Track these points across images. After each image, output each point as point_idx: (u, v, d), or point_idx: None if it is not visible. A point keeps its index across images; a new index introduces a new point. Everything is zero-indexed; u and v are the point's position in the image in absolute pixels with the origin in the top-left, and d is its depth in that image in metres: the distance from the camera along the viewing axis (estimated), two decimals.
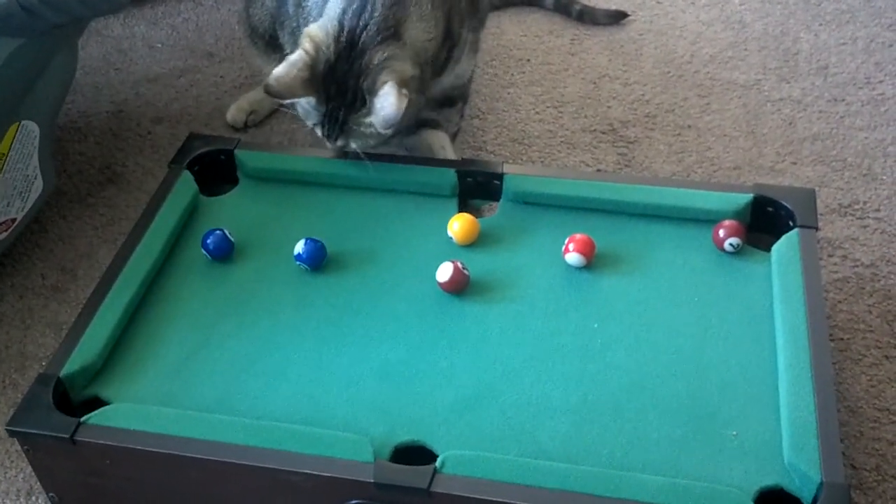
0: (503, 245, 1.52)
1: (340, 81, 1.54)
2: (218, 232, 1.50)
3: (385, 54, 1.53)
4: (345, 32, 1.53)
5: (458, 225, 1.51)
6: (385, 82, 1.50)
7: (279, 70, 1.52)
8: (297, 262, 1.48)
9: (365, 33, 1.53)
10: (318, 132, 1.61)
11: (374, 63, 1.52)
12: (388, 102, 1.48)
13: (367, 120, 1.54)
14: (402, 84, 1.50)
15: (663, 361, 1.34)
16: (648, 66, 2.20)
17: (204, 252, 1.50)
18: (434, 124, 1.82)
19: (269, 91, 1.51)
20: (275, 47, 1.86)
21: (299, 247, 1.48)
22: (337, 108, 1.56)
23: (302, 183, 1.64)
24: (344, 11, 1.54)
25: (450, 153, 1.80)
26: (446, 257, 1.45)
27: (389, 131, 1.52)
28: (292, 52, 1.79)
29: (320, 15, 1.62)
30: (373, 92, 1.51)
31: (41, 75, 1.67)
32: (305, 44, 1.54)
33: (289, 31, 1.79)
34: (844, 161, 1.91)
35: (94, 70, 2.25)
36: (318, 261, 1.48)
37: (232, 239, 1.51)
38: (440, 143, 1.80)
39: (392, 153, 1.68)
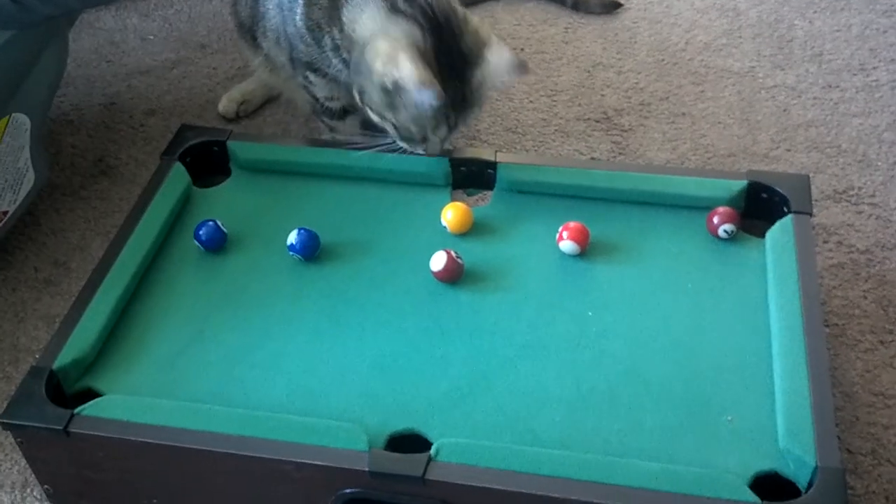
0: (497, 234, 1.52)
1: (447, 60, 1.51)
2: (210, 223, 1.50)
3: (453, 6, 1.52)
4: (419, 16, 1.49)
5: (452, 214, 1.51)
6: (481, 30, 1.52)
7: (418, 74, 1.44)
8: (291, 253, 1.48)
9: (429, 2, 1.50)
10: (440, 134, 1.55)
11: (455, 24, 1.51)
12: (503, 52, 1.50)
13: (480, 77, 1.52)
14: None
15: (658, 348, 1.34)
16: (642, 54, 2.19)
17: (197, 243, 1.50)
18: None
19: (424, 88, 1.46)
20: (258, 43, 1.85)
21: (292, 237, 1.47)
22: (456, 89, 1.52)
23: (295, 173, 1.63)
24: (392, 8, 1.50)
25: None
26: (440, 246, 1.45)
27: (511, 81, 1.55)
28: (268, 49, 1.79)
29: (292, 12, 1.63)
30: (478, 48, 1.51)
31: (32, 68, 1.67)
32: (405, 54, 1.45)
33: (262, 31, 1.79)
34: (839, 147, 1.91)
35: (86, 62, 2.24)
36: (311, 251, 1.47)
37: (224, 230, 1.50)
38: None
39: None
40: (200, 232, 1.49)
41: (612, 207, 1.54)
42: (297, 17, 1.63)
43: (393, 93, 1.49)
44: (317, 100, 1.77)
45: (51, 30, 1.69)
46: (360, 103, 1.59)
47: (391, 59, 1.45)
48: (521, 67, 1.51)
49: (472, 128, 1.99)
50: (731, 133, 1.96)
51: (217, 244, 1.50)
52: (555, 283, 1.44)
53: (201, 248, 1.50)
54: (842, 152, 1.89)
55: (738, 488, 1.14)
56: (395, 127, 1.55)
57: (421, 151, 1.58)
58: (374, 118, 1.58)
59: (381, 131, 1.60)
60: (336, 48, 1.60)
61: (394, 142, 1.58)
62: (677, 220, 1.51)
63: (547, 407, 1.27)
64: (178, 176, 1.60)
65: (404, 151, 1.58)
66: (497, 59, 1.51)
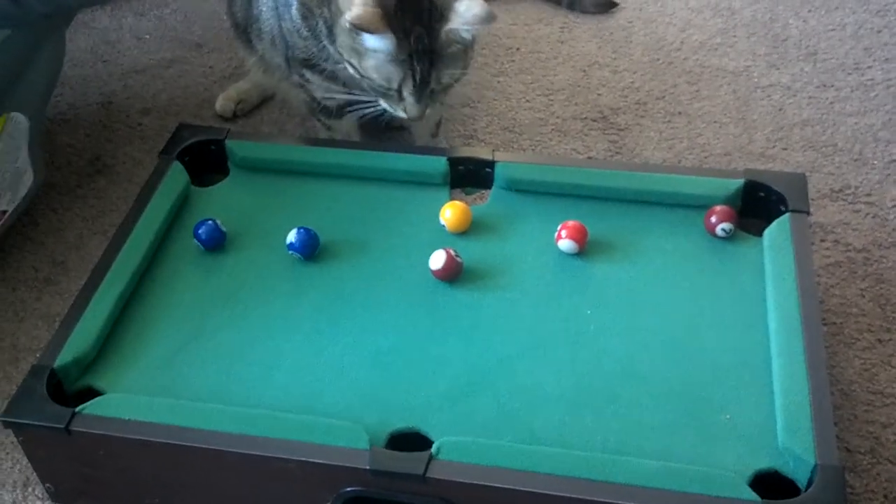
0: (495, 233, 1.52)
1: (413, 10, 1.49)
2: (210, 222, 1.50)
3: None
4: None
5: (451, 213, 1.51)
6: None
7: (361, 9, 1.45)
8: (290, 252, 1.48)
9: None
10: (408, 88, 1.54)
11: None
12: (473, 1, 1.47)
13: (450, 28, 1.49)
14: None
15: (656, 347, 1.34)
16: (638, 53, 2.20)
17: (196, 242, 1.50)
18: None
19: (358, 26, 1.45)
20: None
21: (291, 236, 1.48)
22: (420, 38, 1.50)
23: (293, 172, 1.63)
24: None
25: None
26: (439, 245, 1.45)
27: (478, 29, 1.50)
28: (263, 50, 1.79)
29: (288, 6, 1.62)
30: (448, 2, 1.49)
31: (29, 67, 1.67)
32: None
33: (256, 32, 1.79)
34: (835, 146, 1.91)
35: (82, 62, 2.24)
36: (310, 250, 1.48)
37: (224, 229, 1.50)
38: None
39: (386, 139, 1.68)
40: (200, 231, 1.49)
41: (610, 206, 1.54)
42: (293, 9, 1.63)
43: (355, 36, 1.50)
44: (314, 98, 1.77)
45: (48, 29, 1.69)
46: (337, 55, 1.60)
47: (351, 2, 1.46)
48: (489, 16, 1.48)
49: (469, 127, 1.99)
50: (726, 132, 1.96)
51: (216, 243, 1.50)
52: (553, 281, 1.44)
53: (201, 247, 1.50)
54: (838, 151, 1.90)
55: (737, 486, 1.14)
56: (362, 76, 1.55)
57: (401, 113, 1.57)
58: (350, 70, 1.58)
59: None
60: (330, 32, 1.60)
61: (377, 101, 1.58)
62: (675, 219, 1.51)
63: (546, 405, 1.27)
64: (177, 175, 1.60)
65: (384, 116, 1.58)
66: (465, 8, 1.49)
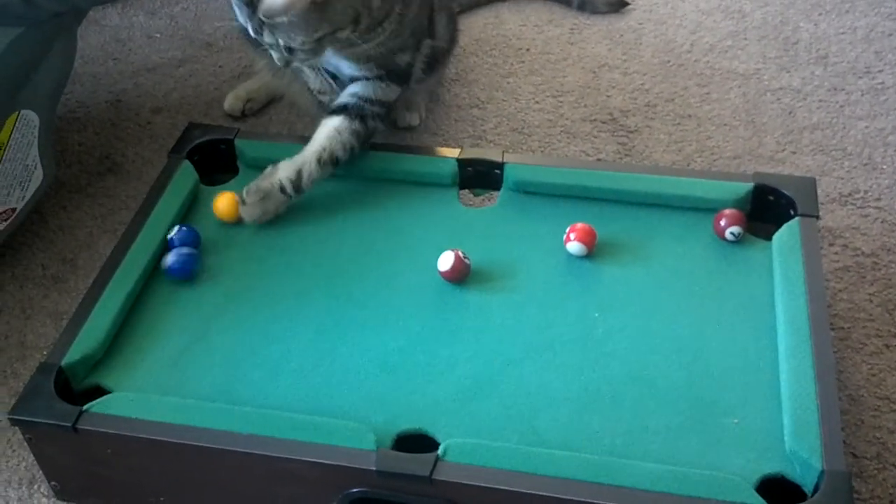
0: (504, 234, 1.52)
1: None
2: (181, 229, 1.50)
3: None
4: None
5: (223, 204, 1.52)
6: None
7: None
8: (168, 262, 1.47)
9: None
10: (252, 23, 1.47)
11: None
12: None
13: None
14: None
15: (664, 350, 1.34)
16: (648, 55, 2.19)
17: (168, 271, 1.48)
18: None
19: None
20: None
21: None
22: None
23: None
24: None
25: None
26: (447, 246, 1.45)
27: (277, 21, 1.40)
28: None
29: None
30: None
31: (40, 65, 1.67)
32: None
33: None
34: (844, 150, 1.91)
35: (93, 60, 2.24)
36: (187, 267, 1.47)
37: (197, 231, 1.50)
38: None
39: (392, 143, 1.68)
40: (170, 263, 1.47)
41: (619, 209, 1.54)
42: None
43: None
44: (311, 92, 1.77)
45: (59, 26, 1.69)
46: None
47: None
48: (269, 10, 1.40)
49: (479, 128, 1.99)
50: (736, 135, 1.96)
51: (190, 263, 1.48)
52: (561, 283, 1.44)
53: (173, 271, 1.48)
54: (847, 155, 1.90)
55: (744, 491, 1.14)
56: None
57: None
58: None
59: None
60: None
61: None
62: (684, 222, 1.51)
63: (553, 407, 1.27)
64: (186, 174, 1.60)
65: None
66: None
